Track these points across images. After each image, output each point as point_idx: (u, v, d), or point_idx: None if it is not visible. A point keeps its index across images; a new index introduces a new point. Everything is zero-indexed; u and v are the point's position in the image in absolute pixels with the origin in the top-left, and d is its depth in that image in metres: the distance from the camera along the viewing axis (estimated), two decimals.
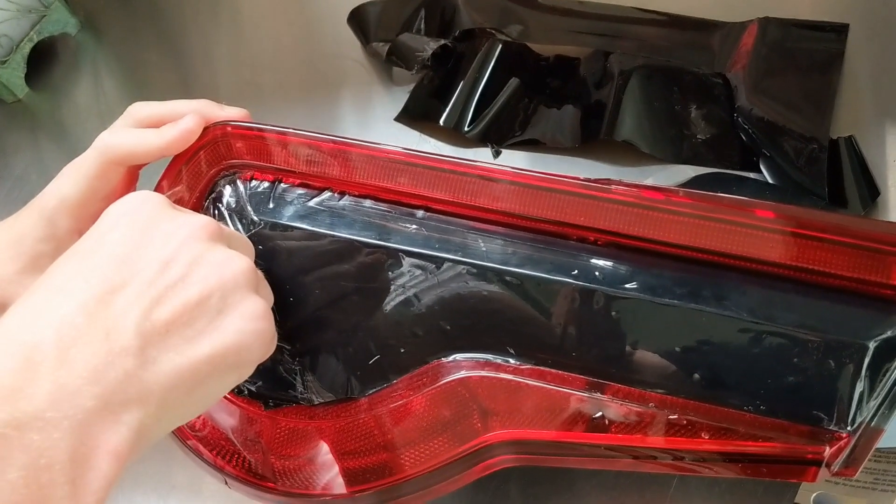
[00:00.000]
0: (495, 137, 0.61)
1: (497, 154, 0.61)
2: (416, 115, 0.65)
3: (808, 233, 0.34)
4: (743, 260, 0.35)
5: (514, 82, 0.62)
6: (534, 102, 0.62)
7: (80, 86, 0.81)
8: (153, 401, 0.29)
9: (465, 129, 0.62)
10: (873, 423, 0.33)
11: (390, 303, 0.39)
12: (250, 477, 0.40)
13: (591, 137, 0.59)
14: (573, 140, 0.60)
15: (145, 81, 0.80)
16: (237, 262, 0.33)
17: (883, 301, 0.33)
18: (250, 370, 0.34)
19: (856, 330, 0.33)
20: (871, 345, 0.33)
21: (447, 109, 0.64)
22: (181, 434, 0.41)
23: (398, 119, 0.66)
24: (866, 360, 0.33)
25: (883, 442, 0.33)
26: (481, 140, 0.62)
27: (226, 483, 0.41)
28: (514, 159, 0.61)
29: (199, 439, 0.41)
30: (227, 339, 0.32)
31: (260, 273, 0.37)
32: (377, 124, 0.67)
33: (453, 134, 0.63)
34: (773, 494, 0.44)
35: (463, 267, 0.37)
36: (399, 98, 0.67)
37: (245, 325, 0.32)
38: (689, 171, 0.55)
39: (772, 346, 0.34)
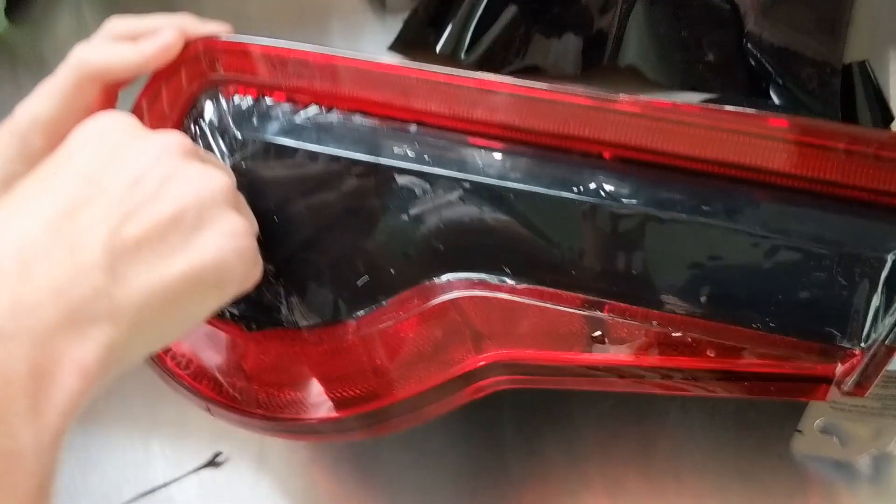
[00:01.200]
0: (493, 65, 0.59)
1: None
2: (411, 43, 0.62)
3: (822, 142, 0.32)
4: (754, 171, 0.33)
5: (512, 9, 0.60)
6: (534, 29, 0.60)
7: (61, 19, 0.78)
8: (124, 318, 0.27)
9: (462, 56, 0.59)
10: (888, 340, 0.31)
11: (381, 222, 0.37)
12: (234, 403, 0.38)
13: (594, 65, 0.57)
14: (575, 67, 0.57)
15: (128, 13, 0.77)
16: (214, 177, 0.32)
17: None
18: (233, 292, 0.32)
19: (873, 242, 0.32)
20: (890, 258, 0.31)
21: (443, 37, 0.61)
22: (159, 358, 0.39)
23: (392, 48, 0.63)
24: (883, 274, 0.31)
25: (894, 364, 0.32)
26: (479, 67, 0.59)
27: (208, 410, 0.40)
28: None
29: (178, 363, 0.39)
30: (204, 256, 0.30)
31: (240, 195, 0.35)
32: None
33: (450, 62, 0.60)
34: (775, 423, 0.42)
35: (458, 183, 0.35)
36: (392, 27, 0.64)
37: (224, 241, 0.31)
38: (696, 98, 0.53)
39: (784, 261, 0.32)
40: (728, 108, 0.34)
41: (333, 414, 0.38)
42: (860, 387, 0.32)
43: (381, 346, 0.37)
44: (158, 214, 0.29)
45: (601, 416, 0.45)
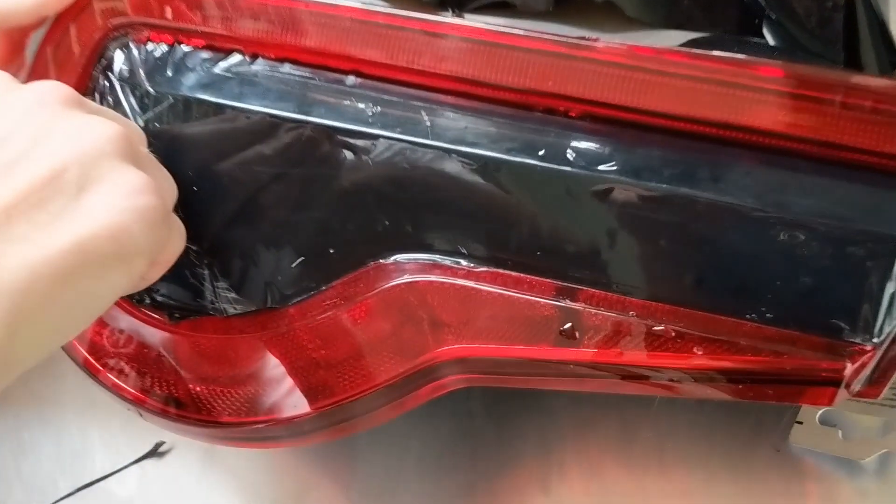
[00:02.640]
0: (456, 0, 0.52)
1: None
2: None
3: (826, 96, 0.27)
4: (746, 132, 0.27)
5: None
6: None
7: None
8: (2, 305, 0.22)
9: None
10: None
11: (316, 192, 0.32)
12: (164, 406, 0.33)
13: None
14: (547, 2, 0.51)
15: None
16: (101, 128, 0.26)
17: None
18: (142, 265, 0.27)
19: (887, 217, 0.26)
20: None
21: None
22: (72, 348, 0.34)
23: None
24: None
25: None
26: (440, 5, 0.53)
27: (140, 415, 0.35)
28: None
29: (99, 359, 0.34)
30: (96, 221, 0.25)
31: (148, 152, 0.30)
32: None
33: (407, 1, 0.54)
34: (772, 411, 0.38)
35: (403, 147, 0.30)
36: None
37: (118, 202, 0.25)
38: (681, 37, 0.46)
39: (782, 240, 0.27)
40: (716, 53, 0.28)
41: (275, 415, 0.33)
42: (874, 386, 0.27)
43: (320, 338, 0.32)
44: (31, 177, 0.24)
45: (577, 399, 0.41)
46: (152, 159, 0.30)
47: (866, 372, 0.27)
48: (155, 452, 0.44)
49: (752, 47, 0.45)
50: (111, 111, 0.31)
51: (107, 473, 0.44)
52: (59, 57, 0.35)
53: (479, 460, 0.42)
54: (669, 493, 0.39)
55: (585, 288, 0.29)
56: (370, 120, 0.30)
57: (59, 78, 0.34)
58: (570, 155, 0.29)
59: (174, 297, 0.34)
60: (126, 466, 0.44)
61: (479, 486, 0.42)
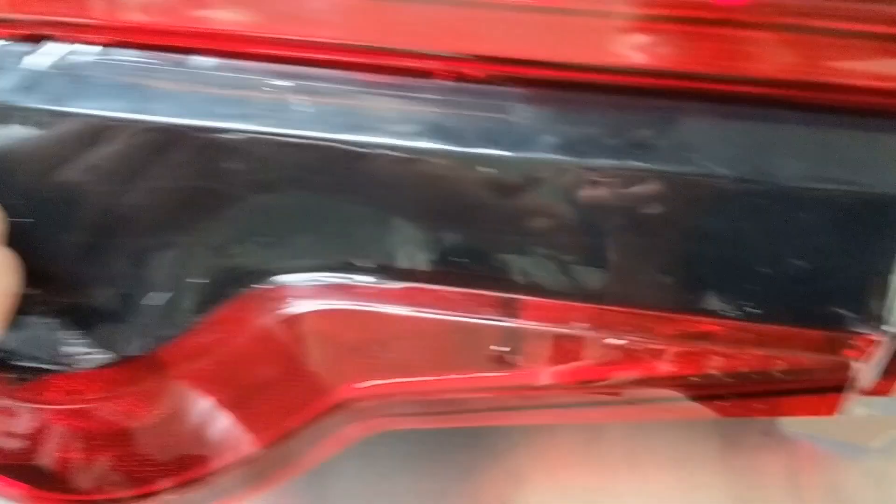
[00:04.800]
0: None
1: None
2: None
3: (805, 22, 0.21)
4: (706, 81, 0.21)
5: None
6: None
7: None
8: None
9: None
10: None
11: (174, 209, 0.25)
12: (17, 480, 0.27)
13: None
14: None
15: None
16: None
17: None
18: None
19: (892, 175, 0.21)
20: None
21: None
22: None
23: None
24: None
25: None
26: None
27: None
28: None
29: None
30: None
31: None
32: None
33: None
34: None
35: (271, 140, 0.23)
36: None
37: None
38: None
39: (762, 215, 0.21)
40: None
41: (133, 492, 0.27)
42: (889, 379, 0.22)
43: (192, 385, 0.26)
44: None
45: None
46: None
47: (877, 364, 0.22)
48: None
49: None
50: None
51: None
52: None
53: (445, 460, 0.36)
54: (642, 492, 0.34)
55: (524, 297, 0.23)
56: (224, 111, 0.24)
57: None
58: (486, 133, 0.22)
59: (25, 352, 0.28)
60: None
61: (450, 491, 0.36)
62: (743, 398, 0.23)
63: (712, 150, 0.21)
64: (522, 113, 0.22)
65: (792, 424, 0.31)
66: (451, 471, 0.36)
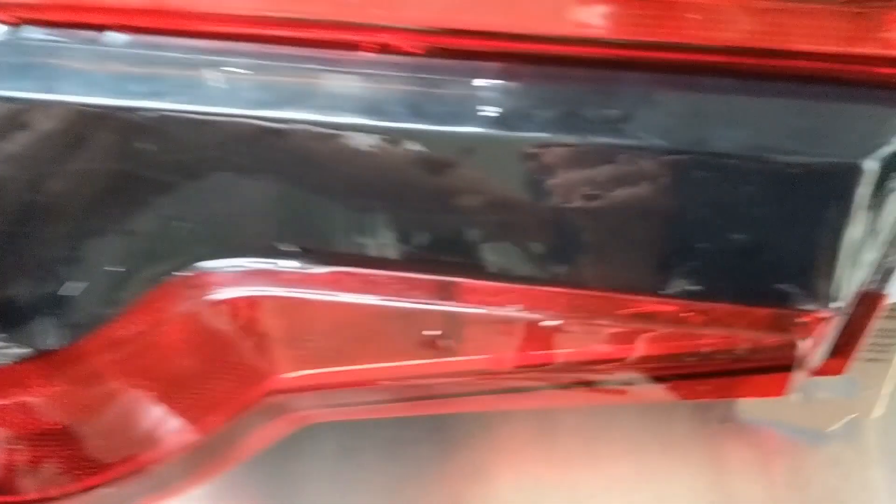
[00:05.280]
0: None
1: None
2: None
3: None
4: (641, 48, 0.20)
5: None
6: None
7: None
8: None
9: None
10: (874, 285, 0.20)
11: (83, 193, 0.23)
12: None
13: None
14: None
15: None
16: None
17: (883, 89, 0.19)
18: None
19: (840, 144, 0.20)
20: (868, 165, 0.19)
21: None
22: None
23: None
24: (859, 192, 0.19)
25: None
26: None
27: None
28: None
29: None
30: None
31: None
32: None
33: None
34: None
35: (185, 118, 0.22)
36: None
37: None
38: None
39: (705, 188, 0.20)
40: None
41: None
42: (840, 358, 0.21)
43: (117, 378, 0.24)
44: None
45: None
46: None
47: (826, 343, 0.21)
48: None
49: None
50: None
51: None
52: None
53: (406, 454, 0.35)
54: (604, 483, 0.33)
55: (457, 279, 0.22)
56: (141, 89, 0.22)
57: None
58: (414, 106, 0.21)
59: None
60: None
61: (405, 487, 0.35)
62: (690, 380, 0.22)
63: (647, 120, 0.20)
64: (451, 86, 0.21)
65: (749, 411, 0.31)
66: (406, 466, 0.35)
